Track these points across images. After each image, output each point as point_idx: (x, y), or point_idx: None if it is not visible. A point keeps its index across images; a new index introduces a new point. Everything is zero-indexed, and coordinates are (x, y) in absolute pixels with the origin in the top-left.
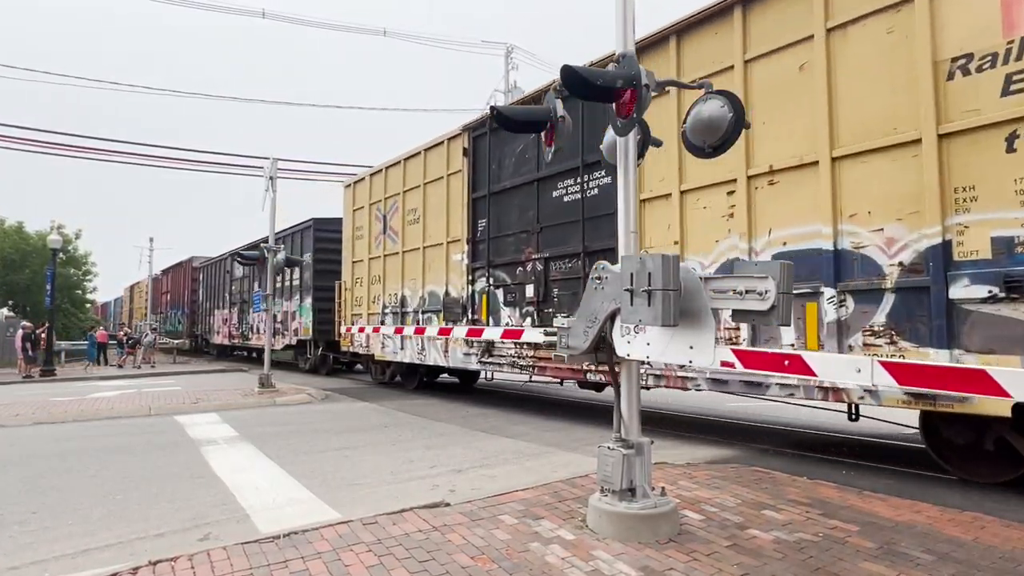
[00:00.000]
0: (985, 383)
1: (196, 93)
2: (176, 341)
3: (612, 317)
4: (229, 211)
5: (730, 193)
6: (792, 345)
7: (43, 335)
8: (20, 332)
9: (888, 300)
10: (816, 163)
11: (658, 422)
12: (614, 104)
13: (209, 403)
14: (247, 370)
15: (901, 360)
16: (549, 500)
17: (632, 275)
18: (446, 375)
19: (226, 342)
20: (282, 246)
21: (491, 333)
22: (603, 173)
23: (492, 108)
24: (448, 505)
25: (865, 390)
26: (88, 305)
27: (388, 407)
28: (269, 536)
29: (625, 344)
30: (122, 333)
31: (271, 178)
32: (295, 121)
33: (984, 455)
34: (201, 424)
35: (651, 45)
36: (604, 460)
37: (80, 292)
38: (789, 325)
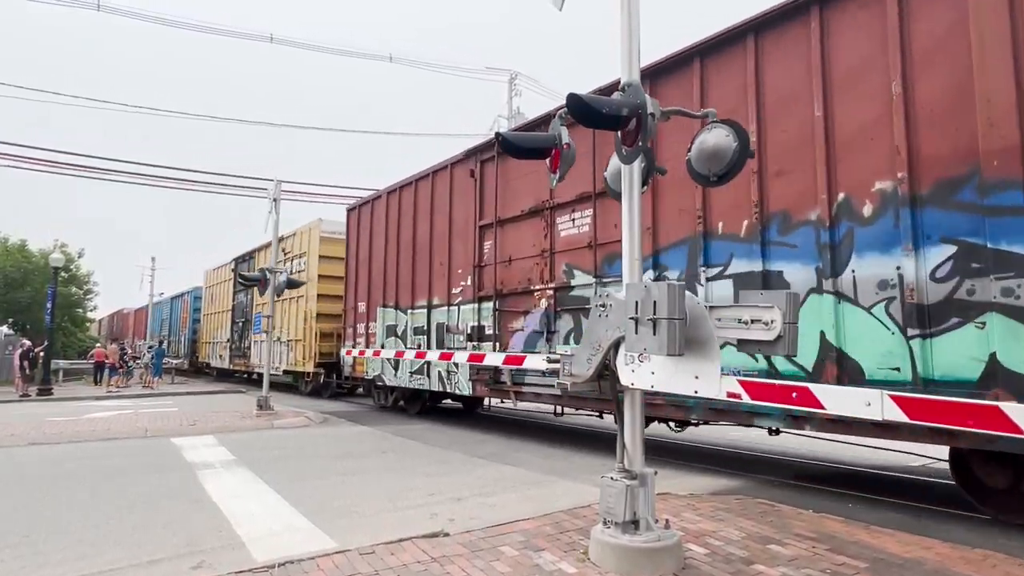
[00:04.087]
0: (997, 419)
1: (202, 115)
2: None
3: (616, 345)
4: (235, 231)
5: None
6: None
7: (41, 353)
8: (18, 350)
9: None
10: None
11: (659, 451)
12: (619, 132)
13: (206, 425)
14: (245, 391)
15: (911, 395)
16: (550, 531)
17: (637, 303)
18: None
19: None
20: (284, 267)
21: (493, 359)
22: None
23: (497, 134)
24: (447, 535)
25: None
26: (88, 324)
27: (387, 432)
28: (264, 565)
29: (629, 373)
30: (128, 351)
31: (275, 200)
32: (300, 142)
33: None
34: (198, 447)
35: None
36: (607, 491)
37: (81, 311)
38: (795, 355)
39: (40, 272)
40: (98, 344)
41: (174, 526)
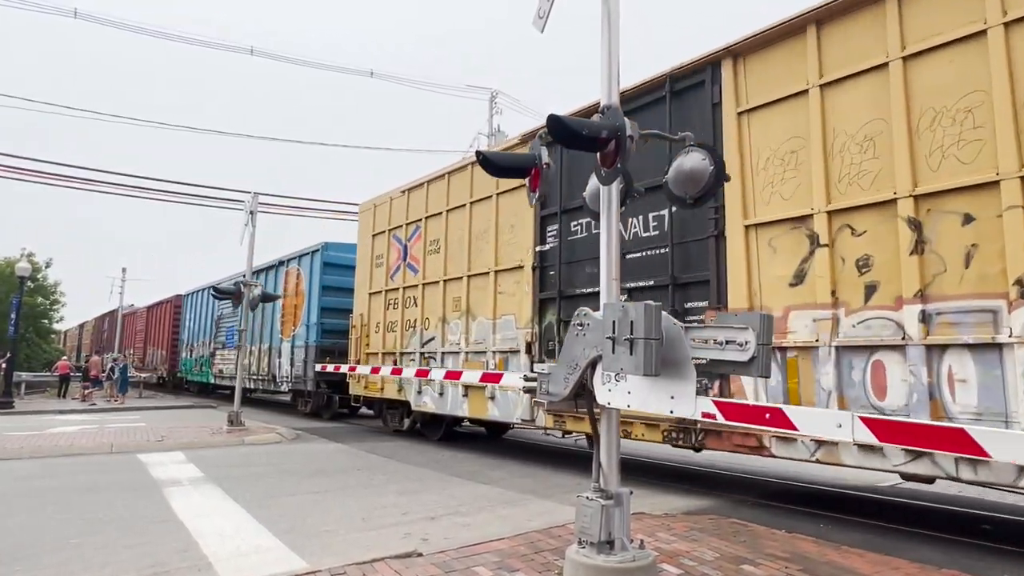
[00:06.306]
0: (963, 442)
1: (180, 125)
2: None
3: (593, 364)
4: (213, 245)
5: None
6: None
7: (3, 365)
8: None
9: None
10: None
11: (634, 470)
12: (598, 154)
13: (175, 441)
14: (216, 407)
15: (881, 416)
16: (525, 551)
17: (614, 323)
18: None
19: None
20: (259, 282)
21: (469, 377)
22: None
23: (478, 153)
24: (420, 555)
25: None
26: (53, 336)
27: (360, 449)
28: None
29: (606, 392)
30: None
31: (251, 212)
32: (280, 156)
33: None
34: (165, 463)
35: None
36: (582, 510)
37: (46, 322)
38: (768, 377)
39: (5, 281)
40: (63, 357)
41: (139, 547)
